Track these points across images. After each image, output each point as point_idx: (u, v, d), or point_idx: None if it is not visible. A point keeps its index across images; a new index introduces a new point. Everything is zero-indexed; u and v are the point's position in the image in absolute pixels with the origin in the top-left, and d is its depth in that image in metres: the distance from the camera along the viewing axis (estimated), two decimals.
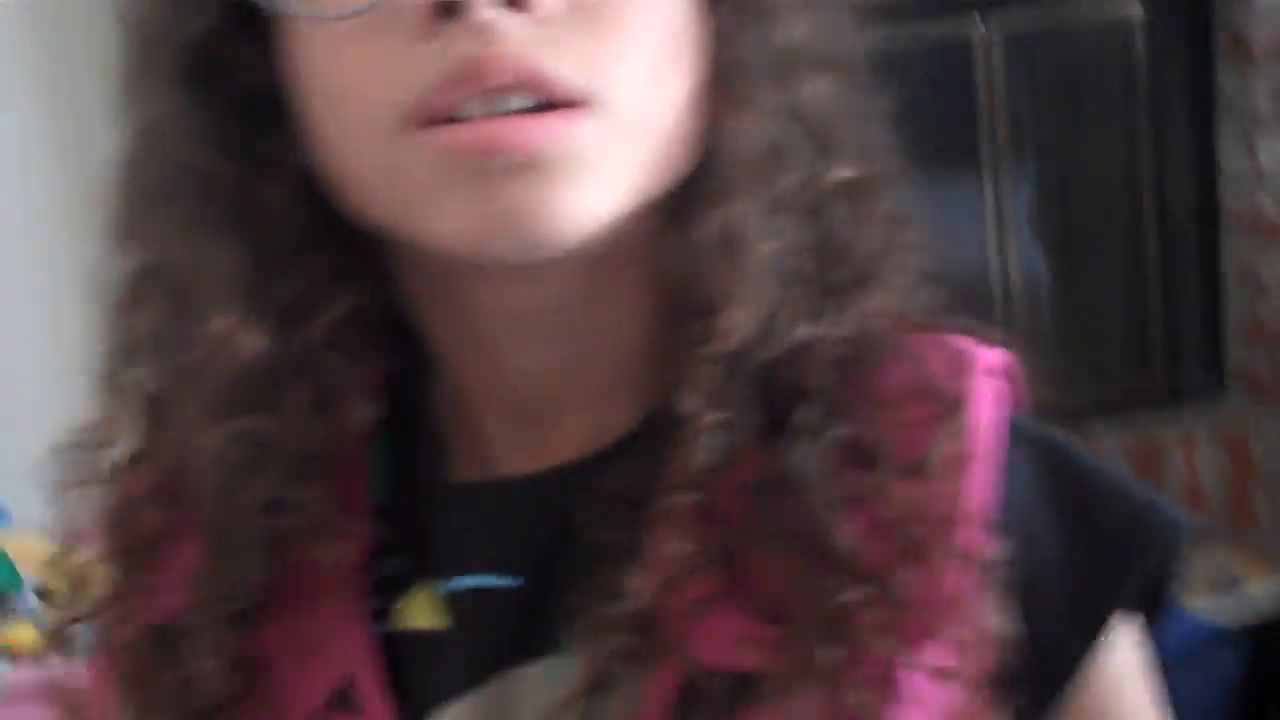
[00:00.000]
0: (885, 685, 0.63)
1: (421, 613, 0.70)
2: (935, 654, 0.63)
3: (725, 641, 0.63)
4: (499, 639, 0.68)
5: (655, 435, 0.66)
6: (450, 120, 0.59)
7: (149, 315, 0.68)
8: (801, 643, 0.63)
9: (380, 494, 0.71)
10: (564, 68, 0.59)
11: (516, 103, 0.58)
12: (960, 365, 0.68)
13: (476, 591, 0.69)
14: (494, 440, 0.71)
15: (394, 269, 0.69)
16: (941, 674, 0.63)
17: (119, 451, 0.70)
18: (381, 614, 0.70)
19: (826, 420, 0.65)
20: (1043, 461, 0.70)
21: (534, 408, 0.70)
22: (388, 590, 0.70)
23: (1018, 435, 0.68)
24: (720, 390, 0.64)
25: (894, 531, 0.64)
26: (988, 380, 0.68)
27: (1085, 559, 0.68)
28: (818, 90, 0.67)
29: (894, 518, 0.64)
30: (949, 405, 0.67)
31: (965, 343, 0.70)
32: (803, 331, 0.65)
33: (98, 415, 0.71)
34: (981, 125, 2.83)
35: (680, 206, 0.65)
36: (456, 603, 0.69)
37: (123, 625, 0.70)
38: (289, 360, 0.66)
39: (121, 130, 0.68)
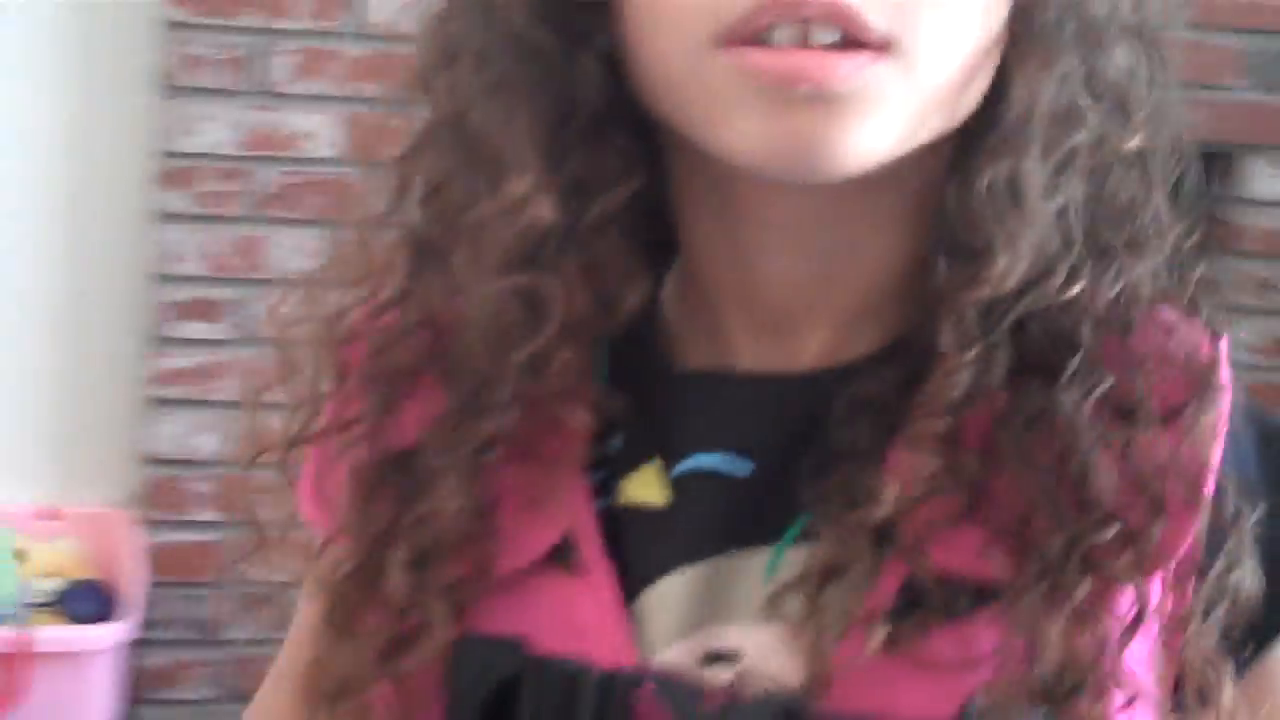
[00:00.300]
0: (1108, 617, 0.67)
1: (646, 488, 0.72)
2: (1157, 596, 0.67)
3: (961, 551, 0.67)
4: (721, 521, 0.71)
5: (901, 359, 0.70)
6: (759, 43, 0.62)
7: (437, 164, 0.71)
8: (1039, 564, 0.66)
9: (599, 374, 0.74)
10: (873, 10, 0.61)
11: (822, 35, 0.61)
12: (1208, 342, 0.71)
13: (704, 474, 0.72)
14: (732, 338, 0.74)
15: (670, 162, 0.72)
16: (1148, 599, 0.67)
17: (368, 291, 0.75)
18: (603, 487, 0.72)
19: (1092, 371, 0.68)
20: (1263, 437, 0.74)
21: (777, 314, 0.73)
22: (609, 465, 0.73)
23: (1244, 412, 0.72)
24: (982, 330, 0.67)
25: (1142, 481, 0.67)
26: (1227, 360, 0.71)
27: None
28: (1117, 58, 0.69)
29: (1145, 469, 0.67)
30: (1202, 375, 0.70)
31: (1203, 324, 0.72)
32: (1071, 288, 0.68)
33: (330, 258, 0.77)
34: None
35: (964, 153, 0.68)
36: (683, 482, 0.72)
37: (358, 448, 0.74)
38: (573, 230, 0.69)
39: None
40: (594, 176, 0.70)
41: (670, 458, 0.72)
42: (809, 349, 0.72)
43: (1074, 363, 0.68)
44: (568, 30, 0.68)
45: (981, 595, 0.67)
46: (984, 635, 0.66)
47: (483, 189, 0.69)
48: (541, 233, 0.68)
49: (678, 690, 0.67)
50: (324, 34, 2.60)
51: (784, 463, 0.71)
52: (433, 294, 0.72)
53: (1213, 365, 0.70)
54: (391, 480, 0.72)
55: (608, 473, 0.73)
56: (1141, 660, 0.68)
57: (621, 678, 0.68)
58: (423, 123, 0.72)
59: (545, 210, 0.68)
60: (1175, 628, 0.68)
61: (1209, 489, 0.69)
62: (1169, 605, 0.68)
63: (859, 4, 0.61)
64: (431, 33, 0.72)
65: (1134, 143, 0.69)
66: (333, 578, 0.73)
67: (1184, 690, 0.69)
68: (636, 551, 0.71)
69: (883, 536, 0.67)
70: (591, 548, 0.71)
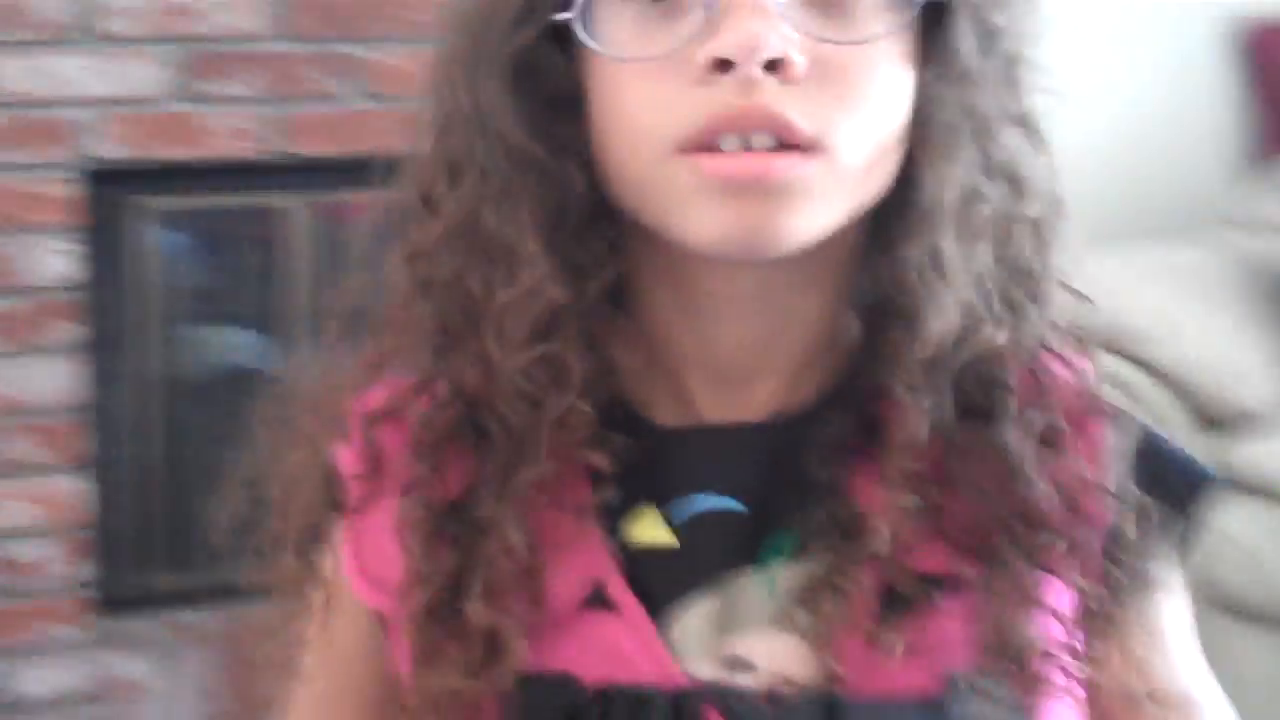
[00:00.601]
0: (1039, 595, 0.84)
1: (653, 531, 0.86)
2: (1070, 571, 0.85)
3: (929, 558, 0.84)
4: (726, 551, 0.85)
5: (845, 405, 0.87)
6: (709, 149, 0.76)
7: (452, 263, 0.84)
8: (995, 564, 0.84)
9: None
10: (802, 118, 0.76)
11: (760, 141, 0.76)
12: (1092, 373, 0.90)
13: (712, 514, 0.86)
14: (694, 394, 0.88)
15: (634, 247, 0.85)
16: (1074, 584, 0.85)
17: (398, 372, 0.89)
18: (609, 529, 0.86)
19: (1021, 408, 0.85)
20: (1139, 449, 0.89)
21: (731, 371, 0.87)
22: (609, 510, 0.86)
23: (1113, 418, 0.90)
24: (929, 381, 0.82)
25: (1066, 494, 0.85)
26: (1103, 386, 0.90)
27: (1161, 502, 0.88)
28: (1006, 142, 0.84)
29: (1068, 484, 0.85)
30: (1093, 402, 0.89)
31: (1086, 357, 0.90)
32: (992, 337, 0.83)
33: (354, 354, 0.91)
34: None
35: (885, 230, 0.83)
36: (692, 524, 0.86)
37: (416, 510, 0.86)
38: (575, 306, 0.83)
39: (435, 108, 0.86)
40: (589, 261, 0.84)
41: (664, 502, 0.87)
42: (761, 399, 0.87)
43: (1008, 403, 0.85)
44: (554, 142, 0.82)
45: (947, 589, 0.84)
46: (953, 622, 0.84)
47: (499, 280, 0.83)
48: (556, 311, 0.82)
49: (737, 701, 0.82)
50: None
51: (766, 496, 0.86)
52: (463, 372, 0.85)
53: (1100, 393, 0.89)
54: (451, 530, 0.85)
55: (607, 517, 0.86)
56: (1071, 633, 0.86)
57: (687, 696, 0.82)
58: (429, 233, 0.85)
59: (557, 293, 0.82)
60: (1094, 606, 0.87)
61: (1113, 496, 0.87)
62: (1088, 587, 0.86)
63: (788, 114, 0.76)
64: (433, 146, 0.86)
65: (1030, 213, 0.85)
66: (411, 623, 0.85)
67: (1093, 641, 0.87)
68: (658, 586, 0.85)
69: (864, 547, 0.83)
70: (619, 588, 0.84)
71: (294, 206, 2.70)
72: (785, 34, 0.75)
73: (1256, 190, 3.28)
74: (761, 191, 0.77)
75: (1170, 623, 0.92)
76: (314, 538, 0.93)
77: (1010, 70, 0.85)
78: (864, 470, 0.85)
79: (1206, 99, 3.64)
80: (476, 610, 0.83)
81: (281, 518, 0.93)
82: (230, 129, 2.59)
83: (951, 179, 0.81)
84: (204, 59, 2.56)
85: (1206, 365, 2.58)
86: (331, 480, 0.92)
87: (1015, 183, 0.84)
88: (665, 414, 0.89)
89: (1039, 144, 0.86)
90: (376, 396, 0.90)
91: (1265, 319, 2.69)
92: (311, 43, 2.62)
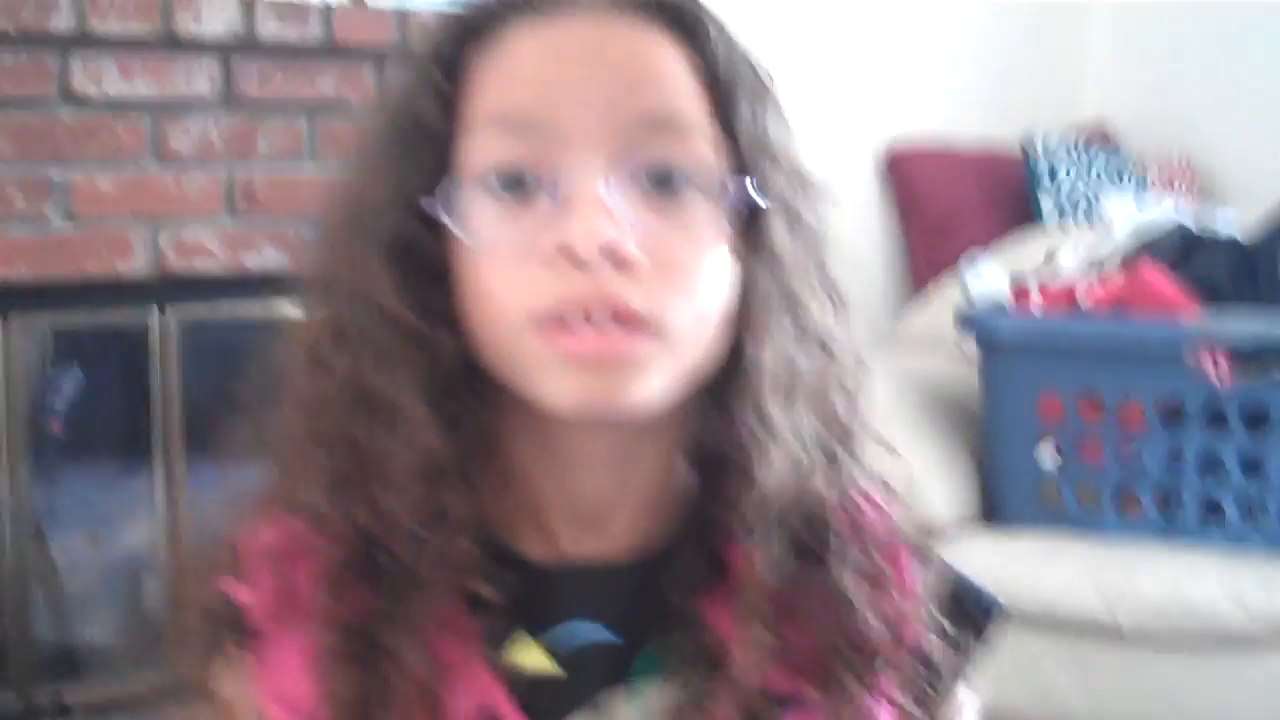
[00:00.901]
0: (870, 714, 0.95)
1: (532, 657, 0.94)
2: (894, 691, 0.97)
3: (775, 680, 0.93)
4: (601, 674, 0.94)
5: (693, 546, 0.96)
6: (558, 325, 0.86)
7: (340, 416, 0.92)
8: (830, 683, 0.94)
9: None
10: (641, 304, 0.86)
11: (601, 317, 0.85)
12: (898, 514, 1.01)
13: (581, 638, 0.95)
14: (560, 533, 0.96)
15: (501, 402, 0.93)
16: (896, 703, 0.97)
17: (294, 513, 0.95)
18: (494, 655, 0.93)
19: (843, 548, 0.95)
20: (932, 569, 1.01)
21: (591, 513, 0.96)
22: (492, 637, 0.93)
23: (920, 554, 1.01)
24: (761, 526, 0.93)
25: (887, 622, 0.95)
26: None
27: (960, 629, 1.00)
28: (817, 315, 0.95)
29: (887, 614, 0.95)
30: (905, 542, 1.00)
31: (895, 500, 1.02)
32: (815, 485, 0.94)
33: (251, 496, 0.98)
34: (155, 412, 2.84)
35: (718, 392, 0.93)
36: (563, 648, 0.94)
37: (322, 633, 0.92)
38: (456, 456, 0.91)
39: (316, 279, 0.95)
40: (462, 413, 0.92)
41: (542, 631, 0.94)
42: (617, 538, 0.96)
43: (834, 544, 0.95)
44: (427, 310, 0.91)
45: (794, 709, 0.94)
46: None
47: (382, 432, 0.91)
48: (434, 458, 0.90)
49: None
50: None
51: (632, 624, 0.95)
52: (355, 513, 0.92)
53: (907, 535, 1.01)
54: (356, 655, 0.91)
55: (491, 644, 0.93)
56: None
57: None
58: (319, 388, 0.93)
59: (435, 442, 0.90)
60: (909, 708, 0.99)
61: (925, 625, 0.98)
62: (907, 705, 0.98)
63: (626, 298, 0.86)
64: (319, 309, 0.95)
65: (840, 374, 0.96)
66: None
67: None
68: (542, 709, 0.93)
69: (720, 672, 0.93)
70: (509, 712, 0.92)
71: None
72: (622, 227, 0.86)
73: (913, 313, 3.56)
74: (607, 367, 0.86)
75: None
76: (206, 665, 0.98)
77: (815, 253, 0.96)
78: (717, 602, 0.94)
79: (865, 227, 3.93)
80: None
81: (177, 644, 0.98)
82: None
83: (772, 349, 0.92)
84: None
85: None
86: (228, 611, 0.96)
87: (826, 349, 0.95)
88: (533, 549, 0.96)
89: (844, 313, 0.98)
90: (270, 534, 0.96)
91: (928, 434, 2.91)
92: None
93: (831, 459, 0.96)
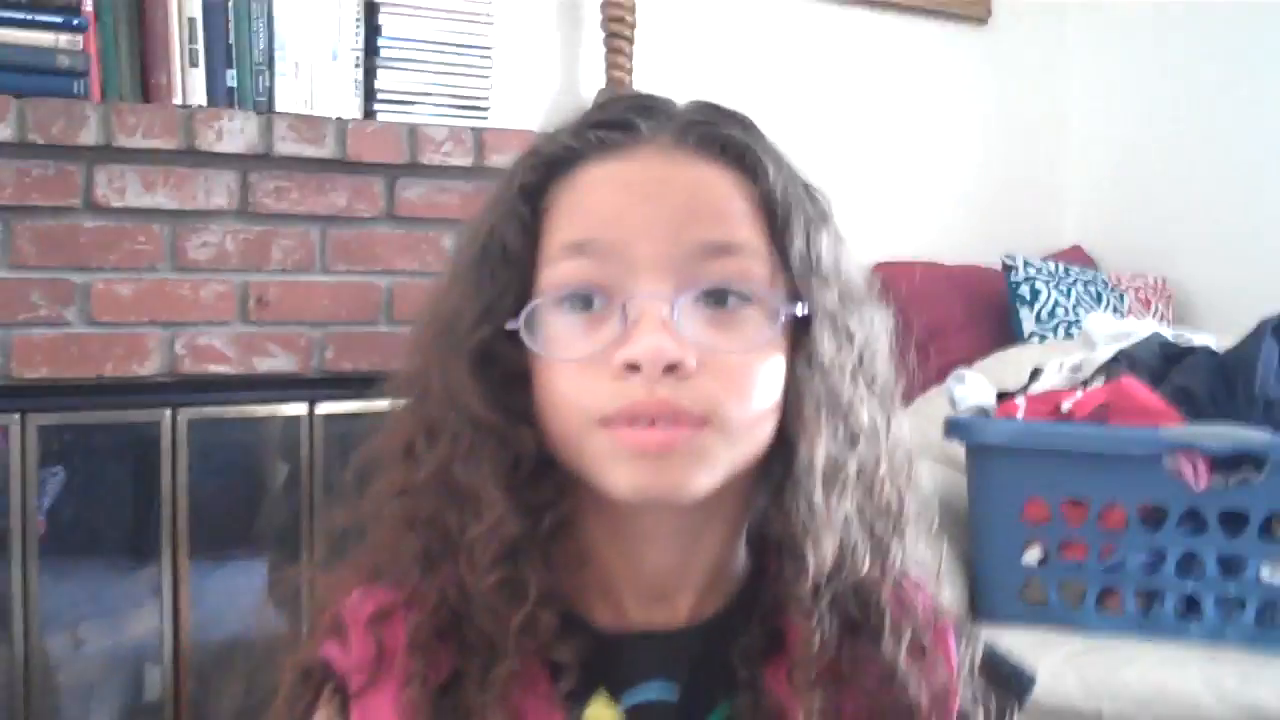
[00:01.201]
0: None
1: (604, 714, 1.04)
2: None
3: None
4: None
5: (747, 615, 1.07)
6: (625, 423, 0.97)
7: (431, 505, 1.04)
8: None
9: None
10: (692, 405, 0.97)
11: (661, 424, 0.96)
12: (937, 595, 1.12)
13: (648, 700, 1.05)
14: (628, 606, 1.07)
15: (578, 492, 1.03)
16: None
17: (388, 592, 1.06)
18: (570, 715, 1.03)
19: (895, 623, 1.06)
20: (971, 642, 1.13)
21: (656, 589, 1.07)
22: (568, 699, 1.03)
23: (960, 629, 1.13)
24: (812, 604, 1.03)
25: (934, 693, 1.06)
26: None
27: (995, 695, 1.13)
28: (862, 416, 1.05)
29: (935, 686, 1.07)
30: (946, 617, 1.11)
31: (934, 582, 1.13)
32: (860, 569, 1.04)
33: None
34: (164, 509, 2.93)
35: (772, 482, 1.04)
36: (637, 710, 1.04)
37: (416, 693, 1.01)
38: (535, 538, 1.02)
39: (415, 373, 1.08)
40: (540, 502, 1.03)
41: (613, 691, 1.04)
42: (679, 610, 1.07)
43: (884, 620, 1.06)
44: (508, 412, 1.03)
45: None
46: None
47: (468, 520, 1.02)
48: (513, 542, 1.01)
49: None
50: None
51: (695, 687, 1.05)
52: (444, 588, 1.03)
53: (948, 613, 1.12)
54: (446, 709, 1.01)
55: (567, 706, 1.03)
56: None
57: None
58: (412, 478, 1.06)
59: (514, 528, 1.01)
60: None
61: (966, 695, 1.11)
62: None
63: (681, 403, 0.97)
64: (413, 410, 1.08)
65: (887, 469, 1.07)
66: None
67: None
68: None
69: None
70: None
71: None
72: (684, 344, 0.96)
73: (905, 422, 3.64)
74: (665, 457, 0.97)
75: None
76: (305, 716, 1.08)
77: (864, 362, 1.07)
78: (775, 669, 1.05)
79: None
80: None
81: (283, 699, 1.09)
82: None
83: (819, 447, 1.02)
84: None
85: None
86: (325, 673, 1.07)
87: (874, 446, 1.06)
88: (604, 619, 1.06)
89: (895, 415, 1.09)
90: (369, 604, 1.06)
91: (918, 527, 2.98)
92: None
93: (880, 544, 1.07)
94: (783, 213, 1.04)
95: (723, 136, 1.04)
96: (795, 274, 1.03)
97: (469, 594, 1.02)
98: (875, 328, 1.09)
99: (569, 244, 1.01)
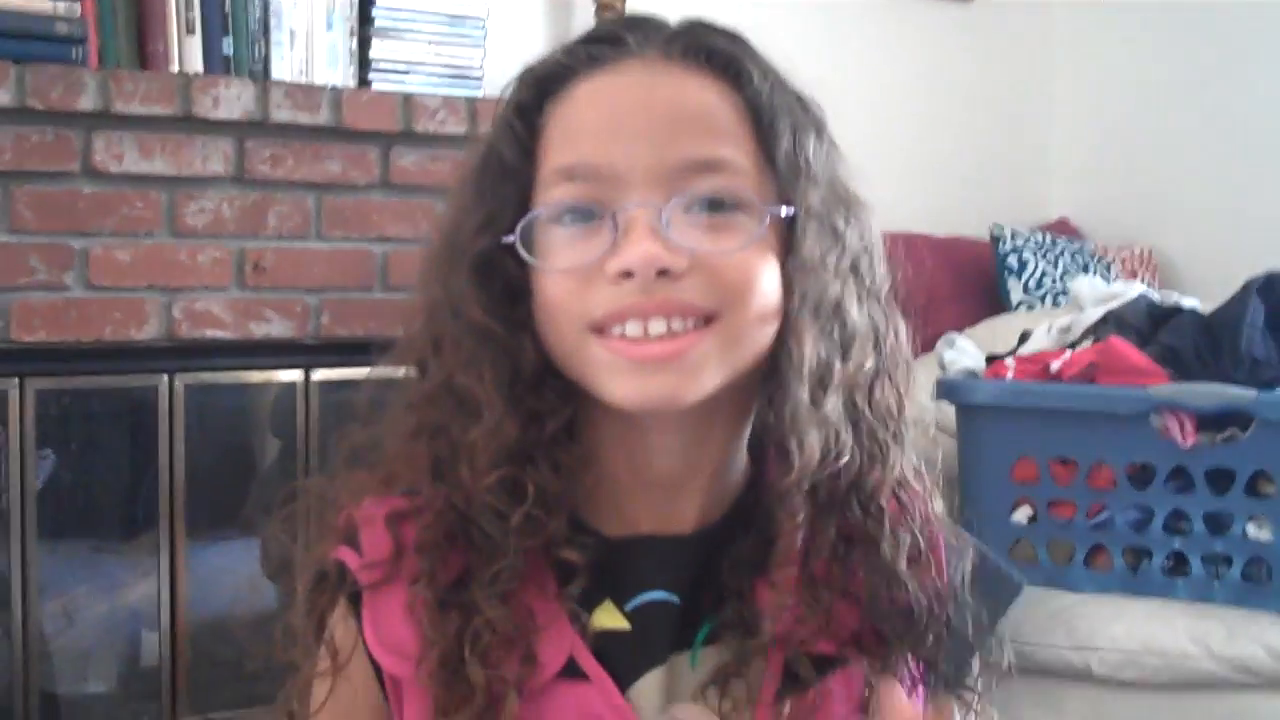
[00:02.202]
0: (911, 675, 1.11)
1: (611, 619, 1.07)
2: (935, 659, 1.11)
3: (821, 644, 1.07)
4: (667, 635, 1.08)
5: (749, 519, 1.09)
6: (618, 333, 1.00)
7: (437, 412, 1.07)
8: (878, 650, 1.09)
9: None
10: (699, 299, 1.00)
11: (655, 327, 0.99)
12: (930, 497, 1.14)
13: (653, 604, 1.08)
14: (635, 511, 1.09)
15: (582, 397, 1.06)
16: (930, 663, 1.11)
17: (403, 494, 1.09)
18: (574, 616, 1.06)
19: (892, 531, 1.08)
20: (964, 549, 1.16)
21: (662, 491, 1.09)
22: (576, 600, 1.06)
23: (954, 536, 1.16)
24: (798, 504, 1.05)
25: (927, 596, 1.09)
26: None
27: (984, 601, 1.15)
28: (854, 315, 1.07)
29: (927, 588, 1.09)
30: (940, 524, 1.14)
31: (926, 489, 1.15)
32: (853, 466, 1.06)
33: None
34: (162, 473, 2.96)
35: (767, 385, 1.05)
36: (639, 611, 1.07)
37: (426, 591, 1.05)
38: (536, 442, 1.04)
39: (424, 289, 1.10)
40: (543, 409, 1.05)
41: (619, 596, 1.08)
42: (686, 515, 1.09)
43: (885, 527, 1.08)
44: (508, 321, 1.05)
45: (836, 670, 1.09)
46: (837, 692, 1.09)
47: (470, 423, 1.05)
48: (511, 444, 1.04)
49: None
50: None
51: (694, 594, 1.08)
52: (452, 491, 1.05)
53: (939, 520, 1.15)
54: (450, 607, 1.04)
55: (575, 606, 1.06)
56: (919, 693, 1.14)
57: None
58: (422, 390, 1.09)
59: (512, 431, 1.04)
60: (950, 682, 1.14)
61: (958, 598, 1.13)
62: (947, 667, 1.13)
63: (685, 298, 0.99)
64: (422, 326, 1.10)
65: (886, 369, 1.09)
66: (428, 681, 1.03)
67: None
68: (618, 661, 1.06)
69: (758, 644, 1.06)
70: (590, 663, 1.05)
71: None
72: (673, 247, 0.99)
73: None
74: (666, 365, 0.99)
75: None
76: (323, 617, 1.11)
77: (856, 263, 1.08)
78: (763, 577, 1.07)
79: None
80: (475, 669, 1.02)
81: (301, 601, 1.12)
82: None
83: (806, 345, 1.03)
84: None
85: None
86: (340, 571, 1.09)
87: (869, 347, 1.08)
88: (611, 526, 1.09)
89: (893, 316, 1.11)
90: (382, 508, 1.09)
91: None
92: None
93: (880, 448, 1.08)
94: (768, 117, 1.05)
95: (708, 46, 1.06)
96: (781, 174, 1.05)
97: (470, 496, 1.05)
98: (868, 231, 1.11)
99: (561, 168, 1.03)
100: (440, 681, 1.03)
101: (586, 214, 1.02)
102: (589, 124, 1.04)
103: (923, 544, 1.11)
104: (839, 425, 1.06)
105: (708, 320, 1.01)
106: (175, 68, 2.86)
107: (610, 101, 1.04)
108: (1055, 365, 2.89)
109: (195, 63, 2.87)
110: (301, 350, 3.06)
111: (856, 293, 1.08)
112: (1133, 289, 3.18)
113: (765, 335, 1.04)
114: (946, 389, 2.96)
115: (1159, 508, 2.79)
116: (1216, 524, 2.76)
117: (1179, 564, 2.81)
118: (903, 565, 1.08)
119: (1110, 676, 2.65)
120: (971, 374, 3.03)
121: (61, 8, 2.71)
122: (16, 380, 2.78)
